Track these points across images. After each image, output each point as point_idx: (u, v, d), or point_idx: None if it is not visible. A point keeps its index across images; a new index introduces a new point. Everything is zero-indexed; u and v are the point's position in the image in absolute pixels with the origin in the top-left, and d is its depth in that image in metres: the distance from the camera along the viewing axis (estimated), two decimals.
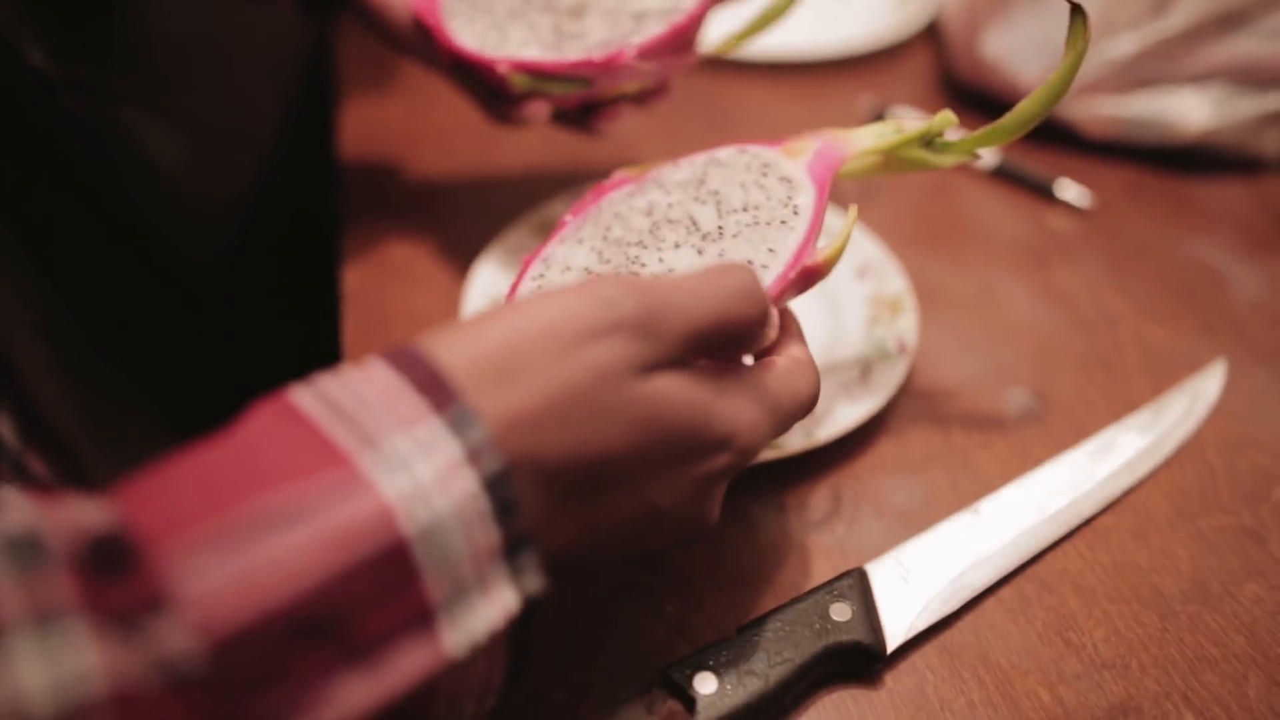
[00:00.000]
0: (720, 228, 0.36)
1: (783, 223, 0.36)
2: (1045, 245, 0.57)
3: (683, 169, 0.39)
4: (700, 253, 0.36)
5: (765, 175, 0.38)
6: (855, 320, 0.49)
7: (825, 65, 0.72)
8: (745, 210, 0.37)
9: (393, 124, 0.65)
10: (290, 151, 0.65)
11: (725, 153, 0.40)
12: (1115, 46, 0.59)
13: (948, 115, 0.38)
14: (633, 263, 0.36)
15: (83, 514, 0.22)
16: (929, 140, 0.38)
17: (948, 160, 0.38)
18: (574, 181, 0.59)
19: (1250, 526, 0.41)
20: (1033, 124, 0.37)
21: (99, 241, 0.52)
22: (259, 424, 0.24)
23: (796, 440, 0.42)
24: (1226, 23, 0.58)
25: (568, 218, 0.39)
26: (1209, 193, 0.61)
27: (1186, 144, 0.61)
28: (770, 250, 0.35)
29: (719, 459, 0.29)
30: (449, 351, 0.26)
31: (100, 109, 0.48)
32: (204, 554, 0.21)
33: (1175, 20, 0.58)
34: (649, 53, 0.44)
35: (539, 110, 0.46)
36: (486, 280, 0.51)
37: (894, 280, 0.50)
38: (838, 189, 0.59)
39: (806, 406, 0.32)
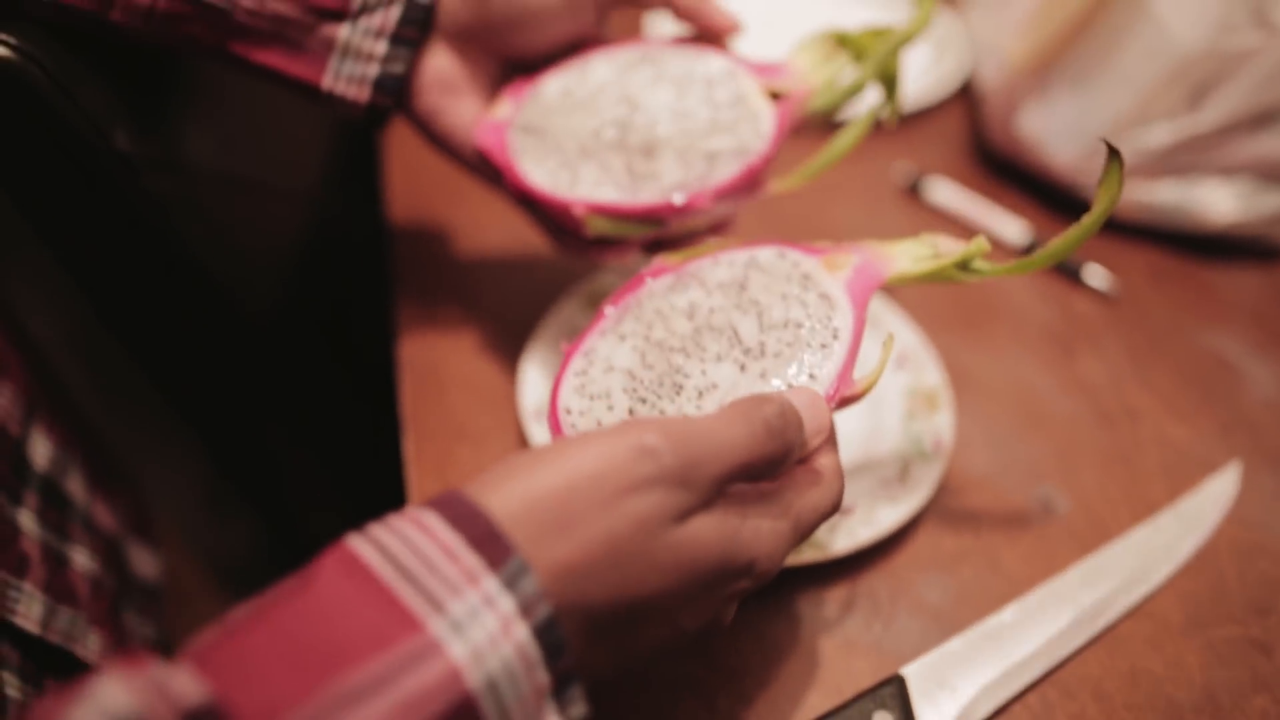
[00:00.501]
0: (762, 344, 0.38)
1: (823, 346, 0.38)
2: (1071, 331, 0.59)
3: (723, 267, 0.41)
4: (743, 369, 0.37)
5: (805, 289, 0.39)
6: (893, 414, 0.51)
7: None
8: (786, 327, 0.38)
9: (438, 176, 0.67)
10: (337, 199, 0.66)
11: (765, 255, 0.41)
12: (1150, 136, 0.61)
13: (982, 244, 0.39)
14: (676, 372, 0.38)
15: (176, 688, 0.23)
16: (964, 264, 0.40)
17: (976, 279, 0.40)
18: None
19: (1258, 638, 0.44)
20: (1059, 260, 0.39)
21: (162, 297, 0.54)
22: (331, 585, 0.26)
23: (842, 543, 0.45)
24: (1258, 121, 0.60)
25: (608, 308, 0.41)
26: (1227, 280, 0.63)
27: (1211, 234, 0.63)
28: (811, 376, 0.37)
29: (742, 583, 0.32)
30: (503, 502, 0.28)
31: (176, 184, 0.50)
32: None
33: (1210, 115, 0.60)
34: (724, 194, 0.44)
35: (611, 255, 0.47)
36: (539, 363, 0.52)
37: (930, 372, 0.53)
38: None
39: (826, 517, 0.35)
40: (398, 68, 0.45)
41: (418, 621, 0.26)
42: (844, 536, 0.45)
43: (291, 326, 0.62)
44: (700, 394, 0.37)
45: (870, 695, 0.39)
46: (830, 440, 0.36)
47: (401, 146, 0.68)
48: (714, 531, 0.30)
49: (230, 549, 0.88)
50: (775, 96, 0.46)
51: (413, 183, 0.66)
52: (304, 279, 0.63)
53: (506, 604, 0.27)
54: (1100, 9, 0.61)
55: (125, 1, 0.42)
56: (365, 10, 0.44)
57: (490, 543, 0.27)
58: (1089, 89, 0.63)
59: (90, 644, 0.48)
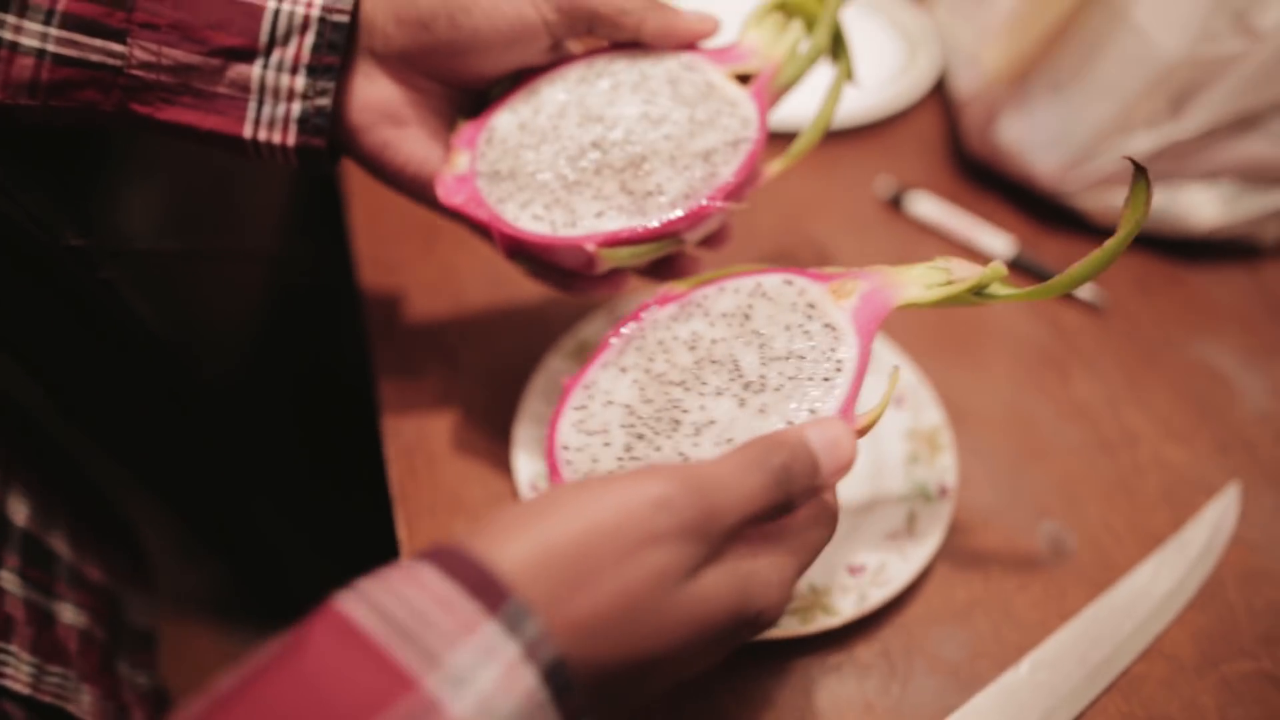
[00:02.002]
0: (763, 377, 0.37)
1: (825, 379, 0.36)
2: (1063, 349, 0.59)
3: (728, 295, 0.40)
4: (742, 404, 0.36)
5: (810, 319, 0.38)
6: (894, 458, 0.51)
7: (837, 134, 0.71)
8: (789, 359, 0.37)
9: (406, 225, 0.64)
10: (300, 257, 0.64)
11: (772, 282, 0.40)
12: (1132, 143, 0.60)
13: (999, 269, 0.38)
14: (674, 405, 0.37)
15: None
16: (978, 289, 0.38)
17: (992, 304, 0.39)
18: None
19: (1270, 672, 0.45)
20: (1083, 283, 0.38)
21: (122, 380, 0.51)
22: (321, 648, 0.25)
23: (853, 607, 0.44)
24: (1240, 125, 0.59)
25: (612, 339, 0.40)
26: (1214, 284, 0.63)
27: (1196, 238, 0.63)
28: (811, 411, 0.36)
29: (747, 633, 0.32)
30: (515, 554, 0.27)
31: (129, 266, 0.47)
32: None
33: (1192, 122, 0.59)
34: (736, 189, 0.42)
35: (624, 282, 0.44)
36: (531, 429, 0.51)
37: (929, 411, 0.52)
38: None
39: (820, 551, 0.34)
40: (323, 101, 0.40)
41: (413, 680, 0.24)
42: (855, 600, 0.44)
43: (260, 393, 0.59)
44: (697, 430, 0.36)
45: None
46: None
47: (364, 195, 0.65)
48: (726, 587, 0.30)
49: (209, 590, 0.86)
50: (743, 79, 0.45)
51: (379, 233, 0.63)
52: (271, 342, 0.60)
53: (510, 650, 0.26)
54: (1079, 17, 0.59)
55: (6, 78, 0.37)
56: (275, 43, 0.39)
57: (486, 589, 0.26)
58: (1070, 97, 0.62)
59: (83, 702, 0.47)
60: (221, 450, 0.56)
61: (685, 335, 0.39)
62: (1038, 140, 0.64)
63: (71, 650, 0.48)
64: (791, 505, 0.32)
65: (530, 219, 0.42)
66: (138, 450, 0.54)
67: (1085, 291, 0.61)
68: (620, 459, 0.37)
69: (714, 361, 0.38)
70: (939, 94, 0.75)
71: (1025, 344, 0.59)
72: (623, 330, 0.40)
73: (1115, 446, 0.54)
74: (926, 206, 0.66)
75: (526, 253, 0.43)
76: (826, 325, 0.38)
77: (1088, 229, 0.65)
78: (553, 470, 0.37)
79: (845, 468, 0.33)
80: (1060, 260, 0.63)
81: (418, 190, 0.44)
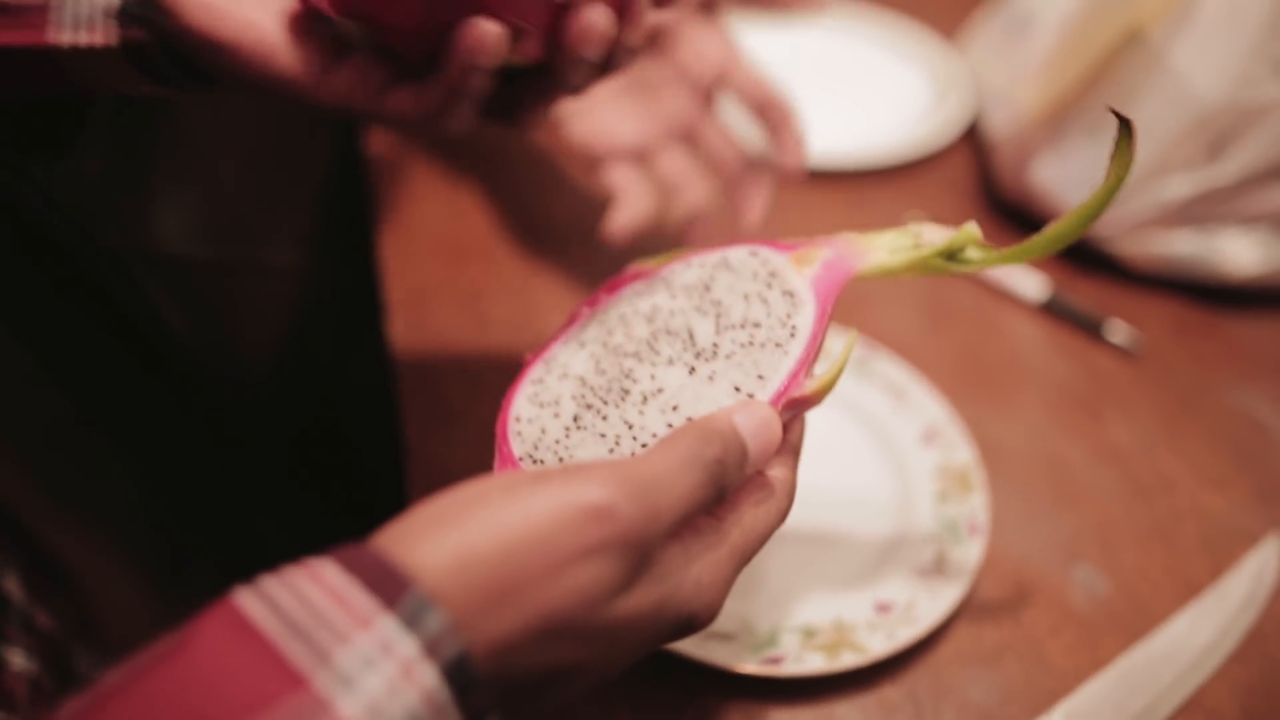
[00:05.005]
0: (715, 345, 0.36)
1: (778, 345, 0.35)
2: (1097, 392, 0.58)
3: (693, 269, 0.39)
4: (691, 371, 0.35)
5: (770, 287, 0.37)
6: (924, 495, 0.49)
7: (867, 174, 0.71)
8: (743, 327, 0.36)
9: (433, 243, 0.64)
10: (326, 274, 0.64)
11: (737, 254, 0.39)
12: (1168, 188, 0.60)
13: (971, 231, 0.36)
14: (626, 376, 0.36)
15: None
16: (951, 254, 0.37)
17: (970, 271, 0.37)
18: None
19: None
20: (1065, 245, 0.35)
21: (146, 387, 0.51)
22: (210, 643, 0.24)
23: (881, 645, 0.43)
24: (1278, 172, 0.58)
25: (584, 308, 0.40)
26: (1250, 332, 0.62)
27: (1232, 286, 0.62)
28: (760, 377, 0.34)
29: (679, 638, 0.30)
30: (433, 557, 0.25)
31: (158, 272, 0.47)
32: None
33: (1230, 168, 0.58)
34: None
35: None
36: None
37: (960, 450, 0.51)
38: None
39: (769, 536, 0.32)
40: None
41: (303, 678, 0.23)
42: (883, 638, 0.43)
43: (280, 409, 0.59)
44: (645, 399, 0.35)
45: None
46: (787, 450, 0.34)
47: (394, 215, 0.66)
48: (658, 597, 0.28)
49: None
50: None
51: (406, 252, 0.63)
52: (294, 358, 0.60)
53: (407, 646, 0.24)
54: (1117, 59, 0.59)
55: None
56: None
57: (386, 582, 0.25)
58: (1106, 139, 0.61)
59: None
60: (234, 465, 0.56)
61: (645, 308, 0.38)
62: (1072, 183, 0.63)
63: (20, 696, 0.47)
64: (724, 496, 0.31)
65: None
66: (153, 459, 0.53)
67: (1119, 336, 0.60)
68: (567, 428, 0.36)
69: (669, 332, 0.37)
70: (970, 135, 0.75)
71: (1058, 386, 0.58)
72: (587, 307, 0.40)
73: (1151, 492, 0.52)
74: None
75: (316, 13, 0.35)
76: (785, 292, 0.37)
77: (1123, 274, 0.64)
78: (502, 439, 0.37)
79: (769, 451, 0.32)
80: (1095, 305, 0.62)
81: (271, 64, 0.35)
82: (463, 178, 0.69)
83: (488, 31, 0.32)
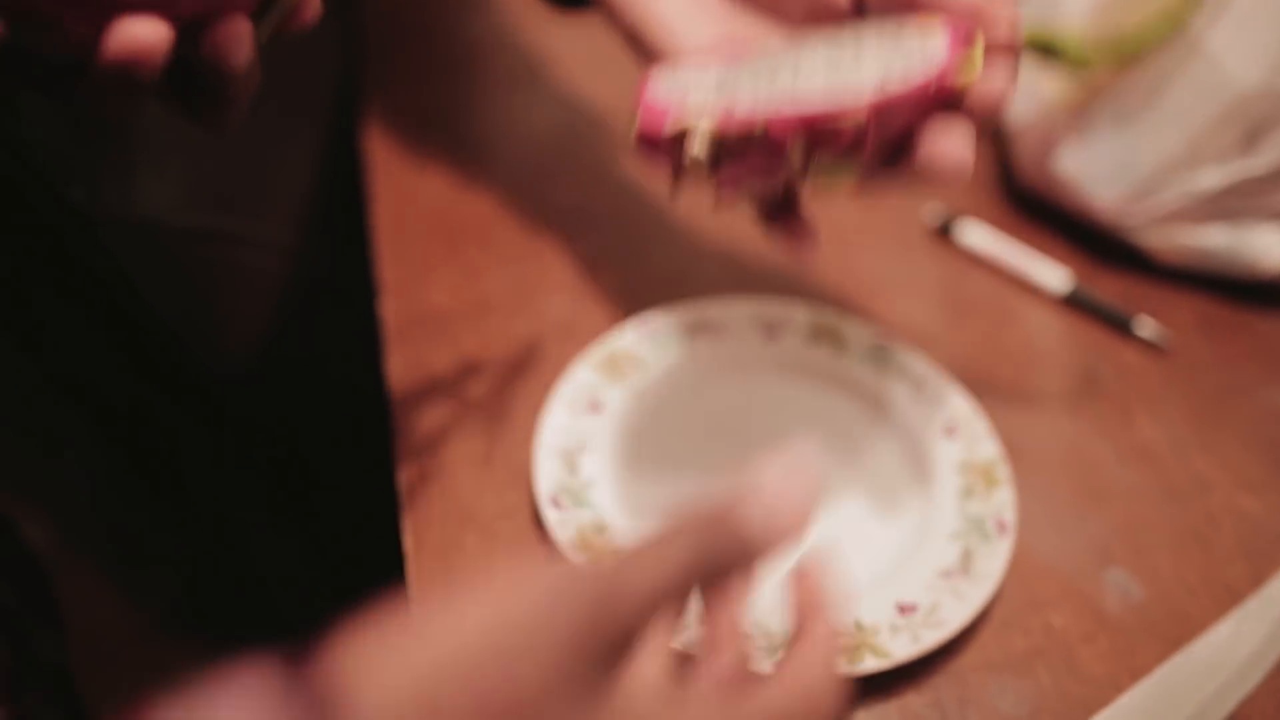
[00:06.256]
0: (860, 42, 0.39)
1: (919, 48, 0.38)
2: (1126, 390, 0.55)
3: (814, 39, 0.41)
4: (838, 58, 0.38)
5: (901, 28, 0.39)
6: (947, 492, 0.47)
7: None
8: (883, 41, 0.38)
9: (429, 222, 0.61)
10: (318, 251, 0.61)
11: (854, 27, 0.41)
12: (1200, 179, 0.57)
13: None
14: (769, 64, 0.39)
15: None
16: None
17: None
18: (631, 294, 0.56)
19: None
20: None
21: (105, 348, 0.48)
22: None
23: (905, 648, 0.40)
24: None
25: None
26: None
27: (1264, 281, 0.59)
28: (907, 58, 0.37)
29: None
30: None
31: (136, 238, 0.44)
32: None
33: (1264, 159, 0.56)
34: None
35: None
36: (555, 438, 0.47)
37: (985, 444, 0.48)
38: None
39: None
40: None
41: None
42: (907, 640, 0.40)
43: (266, 390, 0.56)
44: (795, 73, 0.38)
45: None
46: (818, 641, 0.29)
47: (388, 194, 0.63)
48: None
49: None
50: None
51: (401, 232, 0.60)
52: (282, 338, 0.57)
53: None
54: (1149, 46, 0.57)
55: None
56: None
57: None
58: (1134, 128, 0.59)
59: None
60: (219, 446, 0.52)
61: (777, 49, 0.40)
62: (1098, 172, 0.61)
63: None
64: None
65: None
66: (132, 435, 0.50)
67: (1147, 331, 0.57)
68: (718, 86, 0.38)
69: (810, 49, 0.39)
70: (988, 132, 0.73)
71: (1082, 381, 0.55)
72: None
73: (1185, 494, 0.49)
74: (977, 235, 0.63)
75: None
76: (918, 29, 0.39)
77: (1148, 266, 0.61)
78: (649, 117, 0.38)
79: (789, 534, 0.28)
80: (1120, 298, 0.59)
81: None
82: (461, 156, 0.66)
83: None
